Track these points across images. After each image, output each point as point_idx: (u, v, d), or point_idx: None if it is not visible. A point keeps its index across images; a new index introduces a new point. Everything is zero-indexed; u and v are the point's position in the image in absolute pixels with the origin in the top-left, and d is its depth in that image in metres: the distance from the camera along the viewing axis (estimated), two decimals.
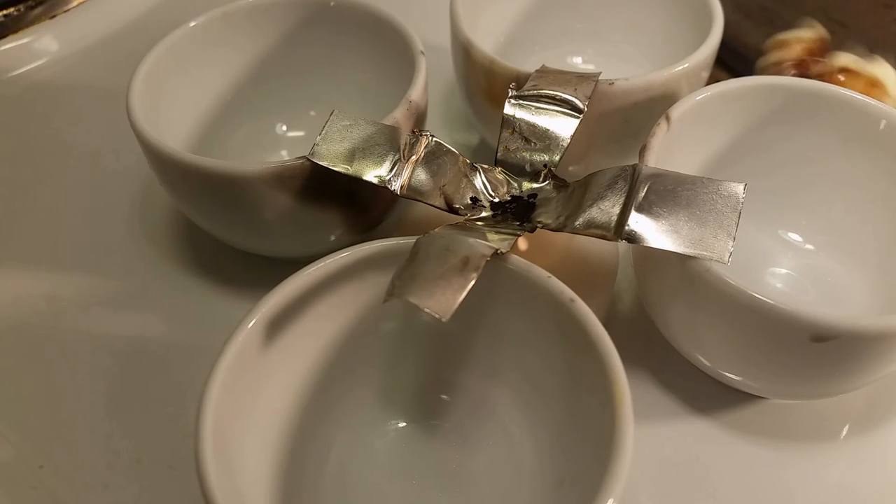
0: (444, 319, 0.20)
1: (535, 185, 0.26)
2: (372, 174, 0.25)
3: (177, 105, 0.32)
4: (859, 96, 0.28)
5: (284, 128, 0.37)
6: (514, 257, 0.23)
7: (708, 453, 0.27)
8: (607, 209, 0.23)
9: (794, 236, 0.31)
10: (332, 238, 0.29)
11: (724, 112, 0.29)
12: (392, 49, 0.32)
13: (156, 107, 0.31)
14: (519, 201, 0.26)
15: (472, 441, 0.26)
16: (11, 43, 0.43)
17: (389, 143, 0.26)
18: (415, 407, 0.26)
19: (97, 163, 0.38)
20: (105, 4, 0.46)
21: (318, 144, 0.26)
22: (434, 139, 0.26)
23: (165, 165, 0.28)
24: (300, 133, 0.37)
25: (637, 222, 0.22)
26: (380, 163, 0.25)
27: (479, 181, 0.26)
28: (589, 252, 0.29)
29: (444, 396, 0.27)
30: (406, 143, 0.26)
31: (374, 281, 0.24)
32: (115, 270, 0.33)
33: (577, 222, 0.23)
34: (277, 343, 0.23)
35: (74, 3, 0.45)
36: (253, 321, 0.22)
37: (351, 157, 0.25)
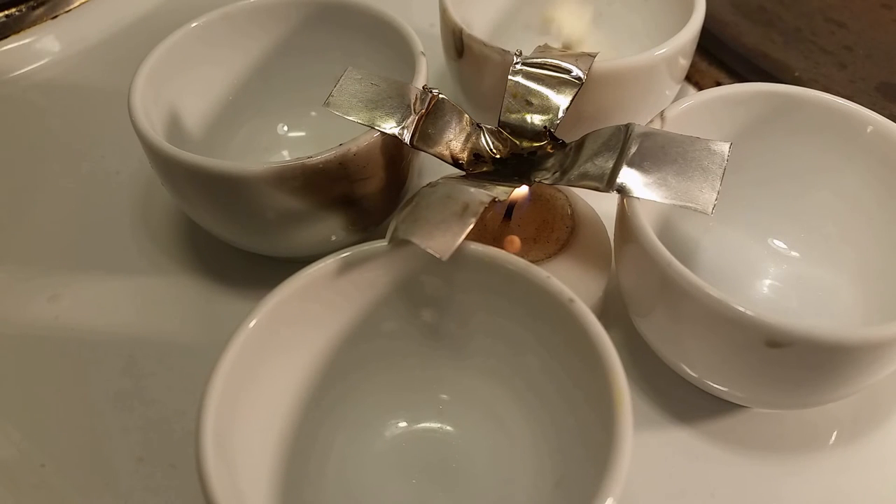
0: (443, 259, 0.22)
1: (535, 145, 0.28)
2: (385, 125, 0.26)
3: (178, 105, 0.33)
4: (854, 105, 0.28)
5: (285, 128, 0.37)
6: (514, 257, 0.23)
7: (704, 457, 0.27)
8: (601, 164, 0.24)
9: (785, 245, 0.31)
10: (333, 238, 0.30)
11: (719, 117, 0.29)
12: (393, 49, 0.32)
13: (157, 107, 0.31)
14: (519, 158, 0.27)
15: (471, 441, 0.26)
16: (13, 43, 0.43)
17: (400, 98, 0.27)
18: (415, 407, 0.27)
19: (99, 163, 0.38)
20: (107, 5, 0.46)
21: (333, 95, 0.27)
22: (441, 96, 0.27)
23: (167, 165, 0.28)
24: (301, 133, 0.37)
25: (627, 175, 0.24)
26: (392, 115, 0.27)
27: (482, 139, 0.28)
28: (585, 249, 0.29)
29: (444, 396, 0.27)
30: (416, 99, 0.27)
31: (374, 281, 0.24)
32: (116, 270, 0.33)
33: (572, 176, 0.25)
34: (278, 343, 0.23)
35: (76, 4, 0.45)
36: (254, 321, 0.22)
37: (365, 108, 0.27)
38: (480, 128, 0.28)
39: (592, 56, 0.29)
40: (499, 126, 0.28)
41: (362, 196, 0.28)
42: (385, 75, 0.28)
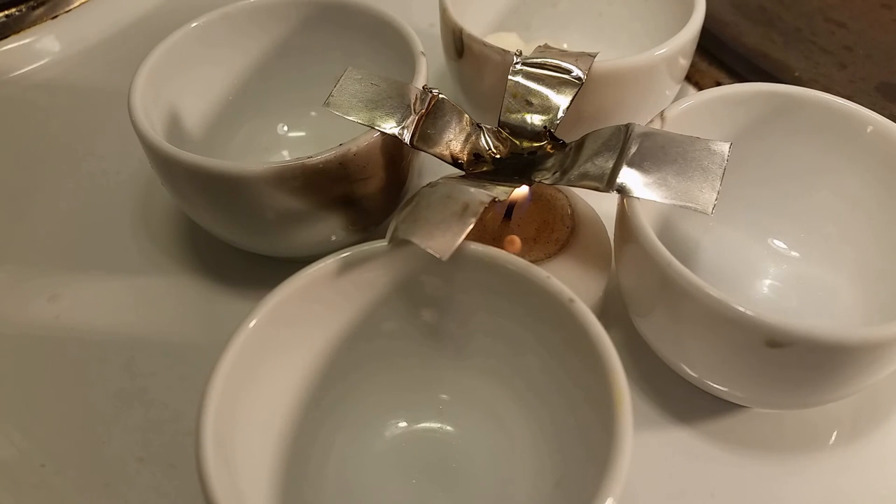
0: (443, 259, 0.22)
1: (535, 144, 0.28)
2: (385, 125, 0.26)
3: (178, 105, 0.33)
4: (854, 105, 0.28)
5: (285, 128, 0.37)
6: (514, 257, 0.23)
7: (704, 457, 0.27)
8: (601, 164, 0.24)
9: (785, 245, 0.31)
10: (333, 238, 0.30)
11: (719, 117, 0.29)
12: (393, 50, 0.32)
13: (157, 107, 0.31)
14: (519, 158, 0.27)
15: (472, 441, 0.26)
16: (13, 43, 0.43)
17: (400, 98, 0.27)
18: (415, 407, 0.27)
19: (99, 163, 0.38)
20: (107, 5, 0.46)
21: (333, 95, 0.27)
22: (441, 96, 0.27)
23: (167, 165, 0.28)
24: (301, 133, 0.37)
25: (627, 175, 0.24)
26: (392, 115, 0.27)
27: (482, 139, 0.28)
28: (585, 249, 0.29)
29: (444, 396, 0.27)
30: (416, 99, 0.27)
31: (374, 281, 0.24)
32: (116, 270, 0.33)
33: (572, 175, 0.25)
34: (278, 343, 0.23)
35: (76, 4, 0.45)
36: (254, 321, 0.22)
37: (365, 108, 0.27)
38: (480, 128, 0.28)
39: (592, 56, 0.29)
40: (499, 126, 0.28)
41: (362, 196, 0.28)
42: (385, 75, 0.28)
